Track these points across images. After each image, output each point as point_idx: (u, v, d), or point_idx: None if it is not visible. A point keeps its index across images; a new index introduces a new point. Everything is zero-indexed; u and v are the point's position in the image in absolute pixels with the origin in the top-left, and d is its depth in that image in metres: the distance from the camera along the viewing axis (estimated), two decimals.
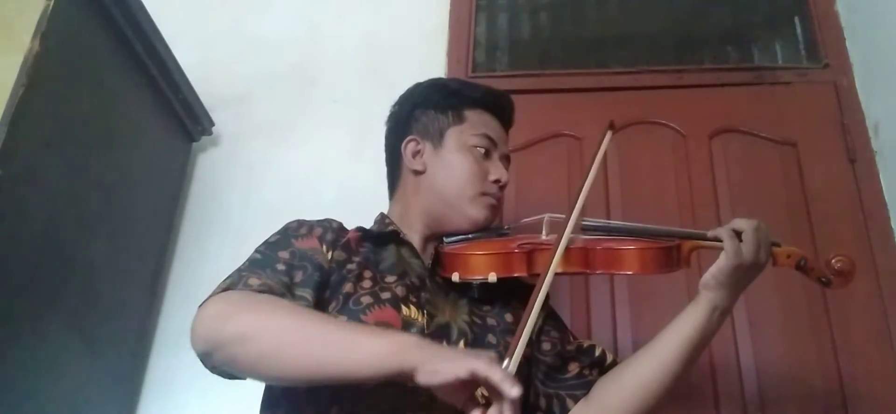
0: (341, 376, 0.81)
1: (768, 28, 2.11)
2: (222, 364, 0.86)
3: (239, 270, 0.95)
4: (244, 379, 0.89)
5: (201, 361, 0.87)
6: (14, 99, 1.26)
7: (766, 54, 2.08)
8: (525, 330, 0.83)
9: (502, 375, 0.73)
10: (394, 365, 0.78)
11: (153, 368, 1.71)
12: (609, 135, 1.09)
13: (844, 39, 1.91)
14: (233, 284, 0.91)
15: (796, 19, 2.05)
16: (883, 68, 1.76)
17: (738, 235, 0.96)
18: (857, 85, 1.83)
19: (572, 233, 1.02)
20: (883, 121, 1.74)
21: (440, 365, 0.75)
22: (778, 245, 1.01)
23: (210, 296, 0.90)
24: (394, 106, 1.22)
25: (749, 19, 2.12)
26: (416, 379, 0.76)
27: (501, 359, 0.79)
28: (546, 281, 0.90)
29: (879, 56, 1.77)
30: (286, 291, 0.92)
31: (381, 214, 1.16)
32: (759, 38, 2.11)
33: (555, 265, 0.94)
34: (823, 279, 1.01)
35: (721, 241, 0.96)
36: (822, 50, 1.91)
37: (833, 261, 1.00)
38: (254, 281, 0.91)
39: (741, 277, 0.97)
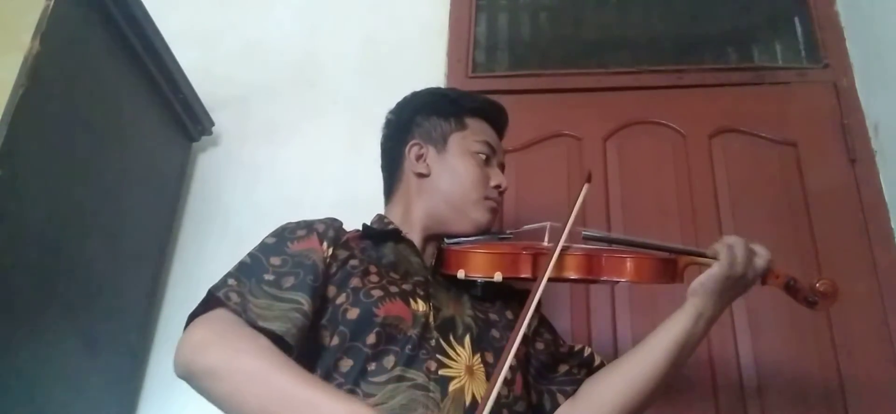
0: None
1: (768, 28, 2.11)
2: (198, 392, 0.87)
3: (227, 275, 0.95)
4: None
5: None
6: (14, 99, 1.26)
7: (766, 54, 2.08)
8: (511, 349, 0.86)
9: None
10: None
11: (153, 368, 1.71)
12: (586, 187, 1.10)
13: (844, 39, 1.91)
14: (216, 290, 0.92)
15: (796, 19, 2.04)
16: (883, 68, 1.75)
17: (730, 247, 1.01)
18: (857, 85, 1.83)
19: (572, 243, 1.05)
20: (883, 121, 1.74)
21: None
22: (769, 267, 1.05)
23: (201, 308, 0.92)
24: (390, 113, 1.24)
25: (749, 19, 2.11)
26: None
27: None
28: (539, 288, 0.94)
29: (879, 56, 1.77)
30: (273, 300, 0.92)
31: (379, 215, 1.17)
32: (759, 38, 2.11)
33: (548, 272, 0.96)
34: (809, 300, 1.07)
35: (716, 256, 1.02)
36: (822, 50, 1.91)
37: (817, 284, 1.06)
38: (240, 297, 0.91)
39: (729, 288, 1.02)
